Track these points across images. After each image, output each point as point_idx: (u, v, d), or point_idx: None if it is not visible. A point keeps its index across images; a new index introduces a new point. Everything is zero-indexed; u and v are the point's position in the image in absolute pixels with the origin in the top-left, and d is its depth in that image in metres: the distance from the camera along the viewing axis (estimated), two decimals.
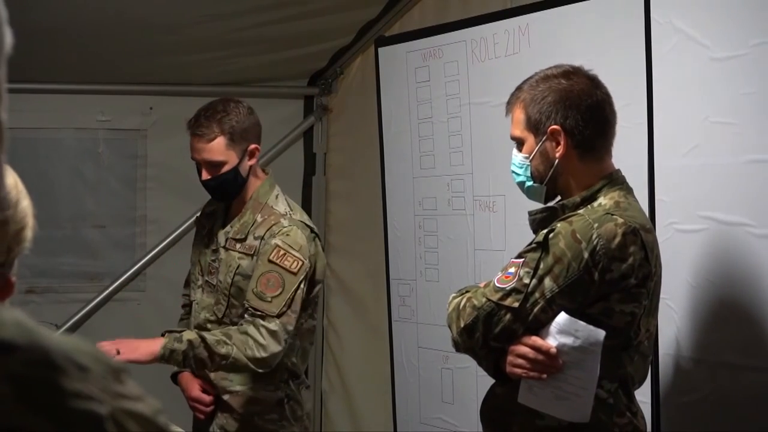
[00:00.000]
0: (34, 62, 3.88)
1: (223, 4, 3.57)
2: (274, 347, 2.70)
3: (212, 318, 2.88)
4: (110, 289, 4.23)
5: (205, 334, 2.70)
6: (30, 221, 1.20)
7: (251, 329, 2.69)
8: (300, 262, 2.76)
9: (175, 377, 3.01)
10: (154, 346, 2.65)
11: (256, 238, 2.83)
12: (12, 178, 1.20)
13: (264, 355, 2.68)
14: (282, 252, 2.75)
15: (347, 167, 4.39)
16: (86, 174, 4.25)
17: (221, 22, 3.69)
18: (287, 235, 2.78)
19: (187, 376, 2.96)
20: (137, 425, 0.84)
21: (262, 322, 2.70)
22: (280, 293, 2.72)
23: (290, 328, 2.74)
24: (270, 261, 2.75)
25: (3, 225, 1.15)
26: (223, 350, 2.66)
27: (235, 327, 2.73)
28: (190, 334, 2.68)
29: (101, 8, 3.44)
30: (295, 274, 2.75)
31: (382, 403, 3.73)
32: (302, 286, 2.77)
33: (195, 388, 2.92)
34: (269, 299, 2.72)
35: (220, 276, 2.87)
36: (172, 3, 3.52)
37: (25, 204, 1.20)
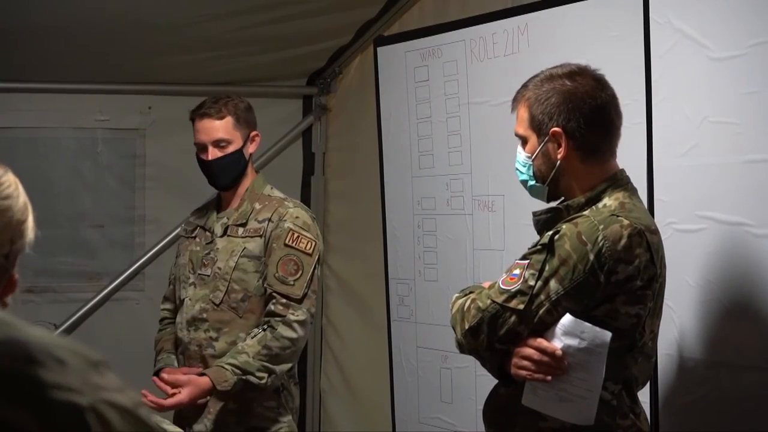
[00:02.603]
0: (32, 61, 3.88)
1: (221, 3, 3.57)
2: (304, 333, 2.89)
3: (208, 306, 2.93)
4: (109, 288, 4.24)
5: (249, 367, 2.79)
6: (30, 216, 1.21)
7: (284, 330, 2.84)
8: (313, 243, 2.94)
9: (157, 375, 3.00)
10: (206, 382, 2.79)
11: (261, 221, 2.94)
12: (11, 175, 1.22)
13: (297, 347, 2.89)
14: (296, 235, 2.91)
15: (346, 167, 4.39)
16: (85, 173, 4.25)
17: (220, 22, 3.69)
18: (297, 217, 2.94)
19: (167, 370, 2.95)
20: (118, 416, 0.85)
21: (291, 317, 2.85)
22: (301, 275, 2.89)
23: (313, 310, 2.94)
24: (286, 245, 2.90)
25: (5, 212, 1.16)
26: (266, 383, 2.82)
27: (271, 334, 2.83)
28: (233, 377, 2.78)
29: (100, 8, 3.44)
30: (310, 255, 2.92)
31: (381, 402, 3.73)
32: (317, 265, 2.95)
33: (178, 372, 2.90)
34: (292, 282, 2.88)
35: (219, 263, 2.94)
36: (171, 3, 3.52)
37: (25, 199, 1.21)
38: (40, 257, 4.09)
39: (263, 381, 2.81)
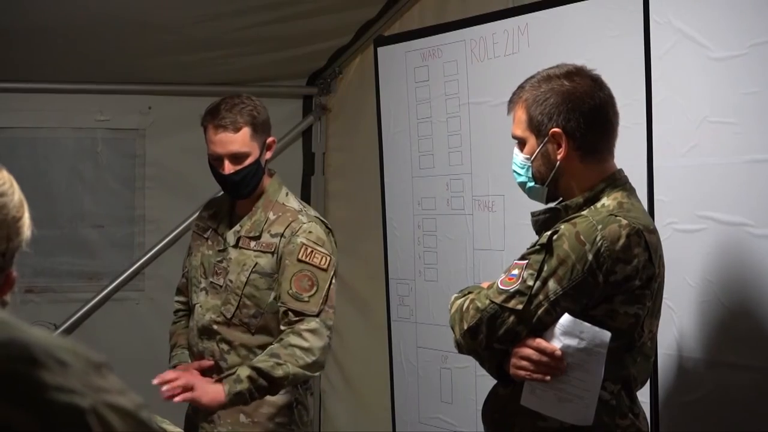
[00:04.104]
0: (32, 62, 3.88)
1: (222, 3, 3.57)
2: (318, 343, 2.71)
3: (219, 319, 2.83)
4: (109, 288, 4.24)
5: (257, 362, 2.64)
6: (26, 214, 1.21)
7: (293, 339, 2.69)
8: (328, 258, 2.79)
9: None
10: (218, 394, 2.60)
11: (273, 236, 2.81)
12: (5, 173, 1.21)
13: (312, 358, 2.69)
14: (309, 250, 2.77)
15: (346, 167, 4.39)
16: (85, 173, 4.26)
17: (220, 22, 3.69)
18: (310, 232, 2.79)
19: (181, 368, 2.85)
20: (119, 418, 0.85)
21: (300, 326, 2.70)
22: (316, 291, 2.75)
23: (330, 323, 2.77)
24: (300, 260, 2.76)
25: (0, 209, 1.16)
26: (281, 373, 2.64)
27: (278, 342, 2.69)
28: (245, 371, 2.62)
29: (100, 8, 3.44)
30: (325, 270, 2.77)
31: (381, 402, 3.73)
32: (333, 281, 2.80)
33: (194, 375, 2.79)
34: (306, 299, 2.74)
35: (231, 276, 2.82)
36: (171, 3, 3.52)
37: (20, 196, 1.21)
38: (40, 257, 4.13)
39: (277, 372, 2.63)
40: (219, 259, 2.87)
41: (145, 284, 4.31)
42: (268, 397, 2.79)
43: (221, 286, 2.84)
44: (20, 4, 3.35)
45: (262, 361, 2.65)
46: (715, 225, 2.35)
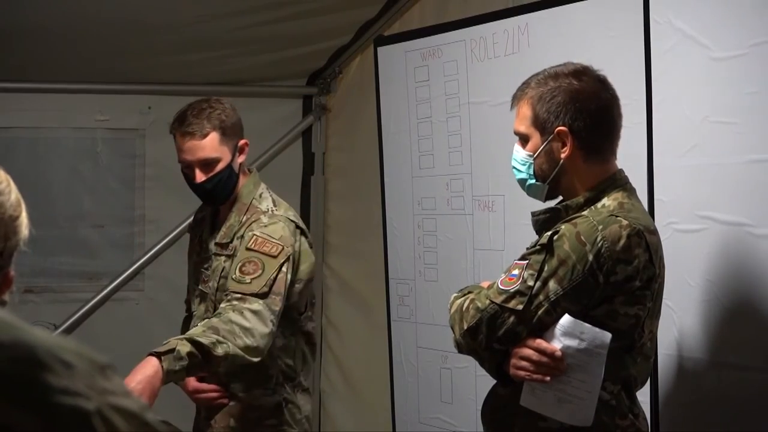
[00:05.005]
0: (32, 62, 3.88)
1: (222, 3, 3.57)
2: (261, 328, 2.51)
3: None
4: (109, 288, 4.24)
5: (197, 336, 2.41)
6: (24, 213, 1.20)
7: (234, 315, 2.50)
8: (280, 247, 2.64)
9: None
10: (155, 377, 2.31)
11: (238, 238, 2.73)
12: (2, 172, 1.21)
13: (252, 341, 2.49)
14: (260, 240, 2.64)
15: (346, 167, 4.39)
16: (84, 173, 4.25)
17: (220, 22, 3.69)
18: (266, 226, 2.69)
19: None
20: (124, 421, 0.85)
21: (243, 305, 2.52)
22: (260, 275, 2.58)
23: (276, 309, 2.57)
24: (248, 249, 2.64)
25: None
26: (220, 351, 2.42)
27: (217, 317, 2.50)
28: (185, 346, 2.37)
29: (100, 8, 3.44)
30: (275, 257, 2.62)
31: (381, 402, 3.73)
32: (284, 269, 2.62)
33: (191, 380, 2.77)
34: (248, 281, 2.58)
35: (210, 283, 2.78)
36: (171, 3, 3.52)
37: (17, 195, 1.21)
38: (40, 257, 4.13)
39: (217, 350, 2.40)
40: (205, 267, 2.85)
41: (145, 284, 4.31)
42: (255, 401, 2.77)
43: (207, 293, 2.82)
44: (20, 4, 3.35)
45: (202, 335, 2.42)
46: (715, 225, 2.35)
